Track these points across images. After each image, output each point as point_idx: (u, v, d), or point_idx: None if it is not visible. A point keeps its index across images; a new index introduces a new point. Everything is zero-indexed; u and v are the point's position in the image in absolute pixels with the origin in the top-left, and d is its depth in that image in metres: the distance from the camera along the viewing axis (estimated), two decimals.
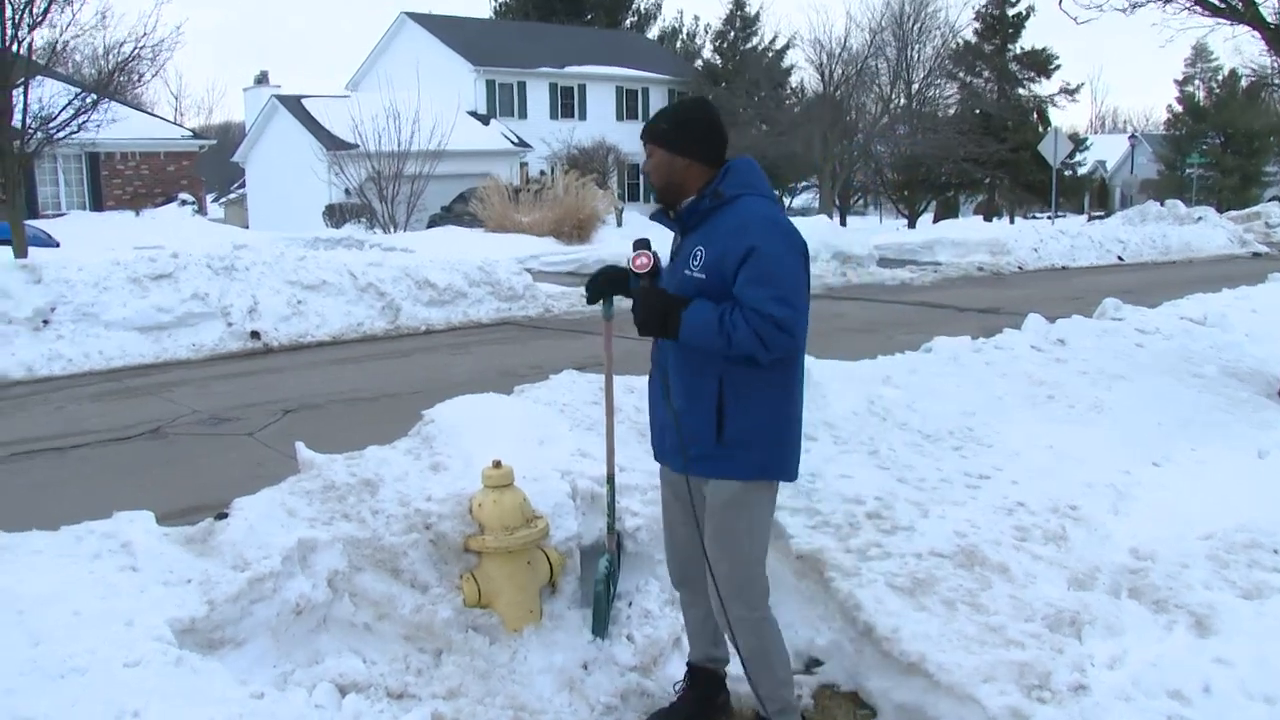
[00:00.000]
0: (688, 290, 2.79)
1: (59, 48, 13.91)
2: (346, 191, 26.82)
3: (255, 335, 9.81)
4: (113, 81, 15.53)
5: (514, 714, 3.15)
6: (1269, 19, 7.47)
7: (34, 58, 13.22)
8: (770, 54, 43.31)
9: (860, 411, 5.23)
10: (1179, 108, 46.12)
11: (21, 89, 12.90)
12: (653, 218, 3.03)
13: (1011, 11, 40.35)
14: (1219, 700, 3.03)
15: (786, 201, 40.97)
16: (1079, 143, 39.85)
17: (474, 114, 36.31)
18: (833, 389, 5.37)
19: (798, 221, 13.78)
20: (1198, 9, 7.73)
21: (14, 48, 12.50)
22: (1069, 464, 4.89)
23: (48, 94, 13.96)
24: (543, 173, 31.95)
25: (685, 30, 52.49)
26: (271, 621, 3.18)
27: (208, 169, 39.32)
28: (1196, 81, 50.00)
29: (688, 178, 2.87)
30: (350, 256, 12.21)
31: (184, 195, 29.42)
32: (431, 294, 11.29)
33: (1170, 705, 3.02)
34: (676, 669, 3.38)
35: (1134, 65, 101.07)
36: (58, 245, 19.21)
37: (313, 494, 3.77)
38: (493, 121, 37.13)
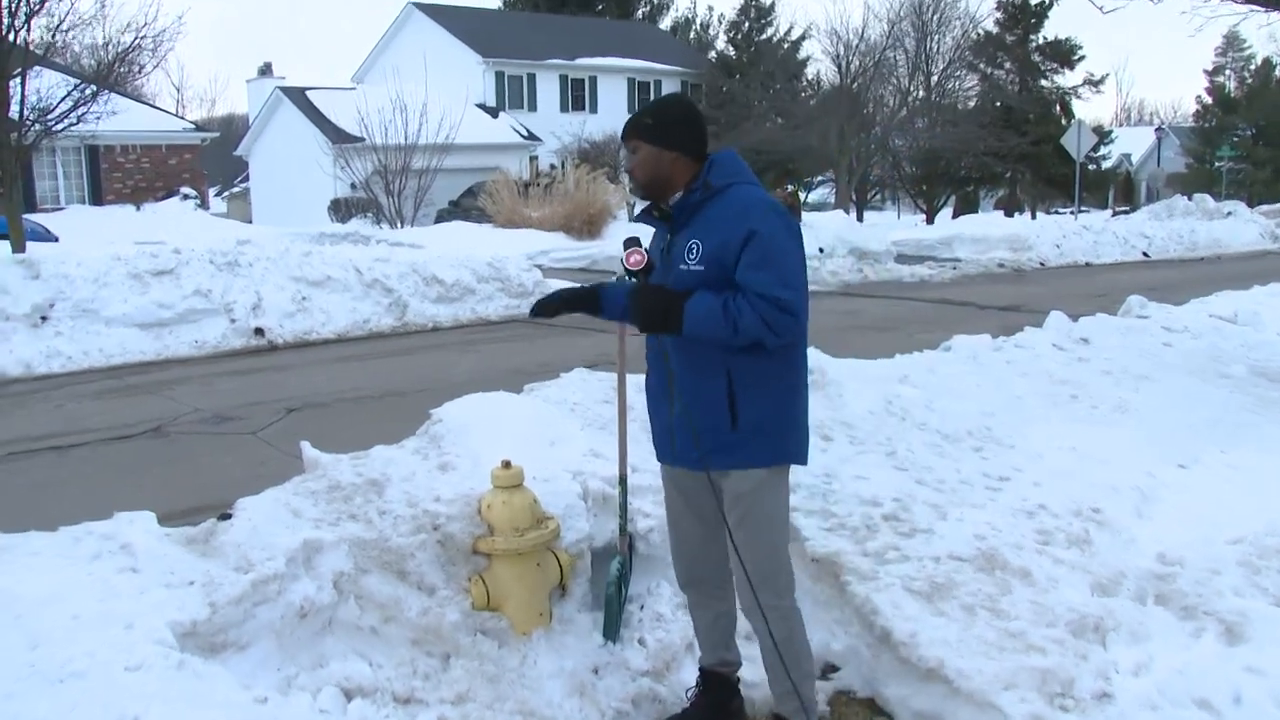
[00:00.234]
0: (686, 285, 2.78)
1: (57, 38, 13.82)
2: (352, 186, 26.63)
3: (259, 332, 9.72)
4: (113, 73, 15.46)
5: None
6: None
7: (32, 48, 13.15)
8: (786, 45, 43.05)
9: (877, 411, 5.16)
10: (1209, 99, 45.40)
11: (19, 80, 12.81)
12: (638, 218, 3.03)
13: (1034, 1, 39.79)
14: (1250, 710, 2.97)
15: (802, 196, 40.84)
16: (1103, 136, 39.52)
17: (482, 106, 36.08)
18: (849, 388, 5.30)
19: (813, 217, 13.78)
20: None
21: (11, 37, 12.41)
22: (1092, 466, 4.80)
23: (46, 85, 13.88)
24: (553, 166, 31.94)
25: (699, 21, 52.51)
26: (275, 624, 3.12)
27: (210, 162, 39.26)
28: (1227, 71, 49.43)
29: (675, 171, 2.88)
30: (356, 252, 12.07)
31: (186, 189, 29.26)
32: (439, 290, 11.19)
33: (1198, 715, 2.97)
34: (689, 674, 3.33)
35: (1161, 56, 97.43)
36: (56, 240, 19.21)
37: (318, 494, 3.72)
38: (502, 114, 36.97)
